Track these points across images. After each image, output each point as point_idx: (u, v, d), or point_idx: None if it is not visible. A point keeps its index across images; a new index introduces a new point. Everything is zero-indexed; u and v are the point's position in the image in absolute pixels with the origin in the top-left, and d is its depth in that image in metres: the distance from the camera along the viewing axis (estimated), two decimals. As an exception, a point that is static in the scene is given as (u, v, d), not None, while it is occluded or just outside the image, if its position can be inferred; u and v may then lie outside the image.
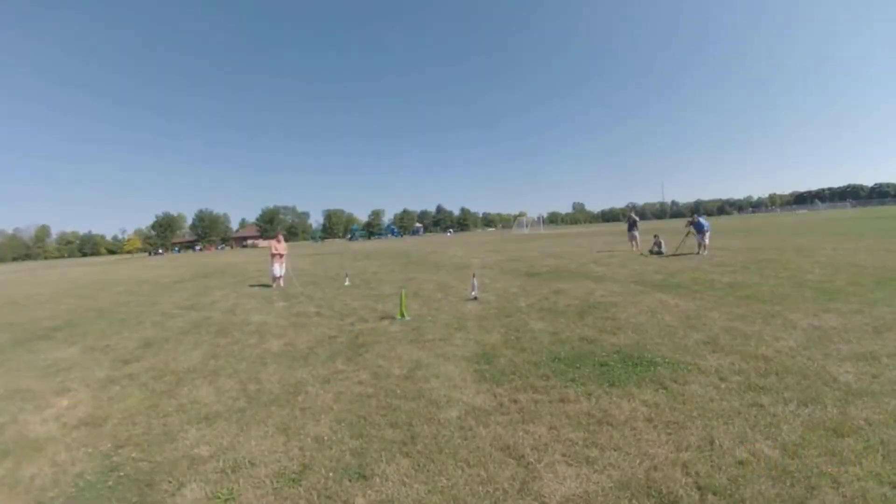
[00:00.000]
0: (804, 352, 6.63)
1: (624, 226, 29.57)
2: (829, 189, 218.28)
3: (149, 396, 6.87)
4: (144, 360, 8.94)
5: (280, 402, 6.15)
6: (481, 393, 5.90)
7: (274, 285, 18.72)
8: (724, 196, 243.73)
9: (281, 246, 19.16)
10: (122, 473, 4.64)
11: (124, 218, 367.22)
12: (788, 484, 3.62)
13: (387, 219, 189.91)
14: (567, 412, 5.15)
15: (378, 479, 4.14)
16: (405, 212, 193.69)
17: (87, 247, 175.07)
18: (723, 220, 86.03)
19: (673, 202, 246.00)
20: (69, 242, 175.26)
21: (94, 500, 4.22)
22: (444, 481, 4.03)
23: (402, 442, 4.79)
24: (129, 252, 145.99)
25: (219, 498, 4.07)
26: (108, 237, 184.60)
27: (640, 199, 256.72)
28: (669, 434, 4.54)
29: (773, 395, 5.21)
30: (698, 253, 20.45)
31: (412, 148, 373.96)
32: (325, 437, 5.02)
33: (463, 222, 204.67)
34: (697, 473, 3.84)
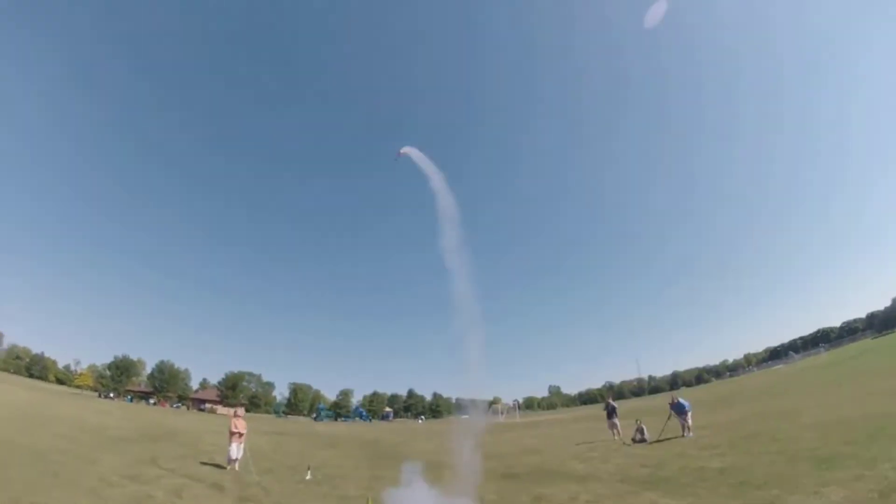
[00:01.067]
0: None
1: (602, 410, 28.68)
2: (801, 338, 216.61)
3: None
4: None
5: None
6: None
7: (228, 468, 16.85)
8: (701, 364, 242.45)
9: (241, 424, 17.60)
10: None
11: (80, 349, 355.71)
12: None
13: (356, 400, 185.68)
14: None
15: None
16: (375, 394, 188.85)
17: (35, 368, 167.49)
18: (702, 390, 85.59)
19: (650, 377, 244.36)
20: (18, 357, 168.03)
21: None
22: None
23: None
24: (78, 387, 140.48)
25: None
26: (61, 364, 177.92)
27: (617, 377, 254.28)
28: None
29: None
30: (683, 436, 19.78)
31: (384, 329, 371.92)
32: None
33: (435, 408, 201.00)
34: None
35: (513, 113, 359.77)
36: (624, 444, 21.72)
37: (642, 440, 21.14)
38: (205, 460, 18.88)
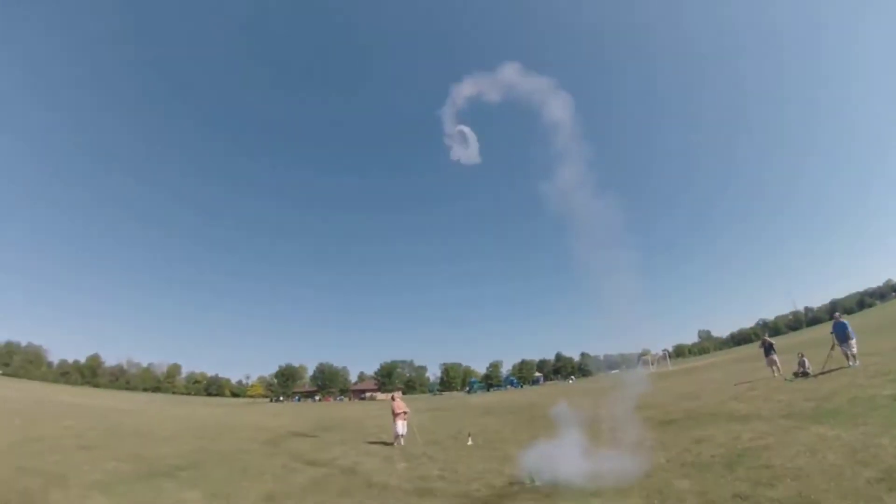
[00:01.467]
0: None
1: (758, 349, 27.26)
2: None
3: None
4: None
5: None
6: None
7: (395, 444, 18.36)
8: (861, 287, 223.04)
9: (400, 404, 19.02)
10: None
11: (249, 365, 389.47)
12: None
13: (505, 370, 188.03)
14: None
15: None
16: (523, 362, 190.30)
17: (212, 387, 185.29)
18: (865, 315, 79.04)
19: (806, 309, 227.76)
20: (196, 381, 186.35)
21: None
22: None
23: None
24: (251, 397, 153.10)
25: None
26: (234, 381, 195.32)
27: (770, 313, 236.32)
28: None
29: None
30: (849, 365, 18.52)
31: (529, 297, 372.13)
32: None
33: (584, 368, 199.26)
34: None
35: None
36: (785, 380, 20.68)
37: (804, 374, 20.01)
38: (372, 440, 20.60)
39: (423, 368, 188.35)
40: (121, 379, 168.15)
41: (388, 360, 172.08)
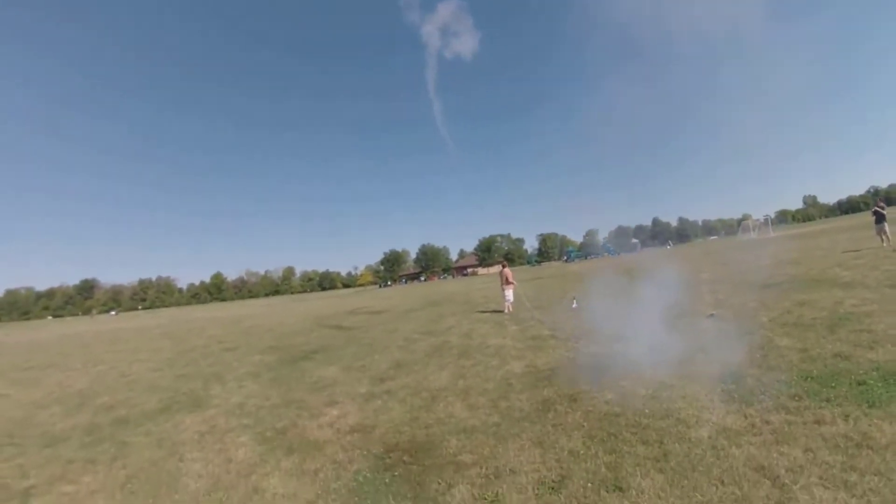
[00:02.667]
0: None
1: (868, 217, 25.91)
2: None
3: (409, 410, 7.76)
4: (398, 379, 10.04)
5: (531, 419, 6.66)
6: (731, 413, 5.86)
7: (505, 310, 19.35)
8: None
9: (509, 274, 20.03)
10: (396, 473, 5.46)
11: (355, 255, 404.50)
12: None
13: (602, 237, 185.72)
14: (823, 434, 4.98)
15: (634, 492, 4.42)
16: (619, 228, 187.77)
17: (325, 282, 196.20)
18: None
19: None
20: (310, 279, 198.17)
21: (373, 493, 5.03)
22: (699, 497, 4.21)
23: (654, 458, 5.00)
24: (361, 285, 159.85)
25: (485, 499, 4.65)
26: (343, 273, 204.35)
27: (884, 181, 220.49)
28: (937, 460, 4.20)
29: None
30: None
31: (623, 161, 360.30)
32: (580, 451, 5.40)
33: (682, 233, 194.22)
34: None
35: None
36: (894, 250, 20.04)
37: None
38: (481, 310, 21.96)
39: (520, 241, 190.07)
40: (243, 289, 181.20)
41: (486, 236, 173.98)
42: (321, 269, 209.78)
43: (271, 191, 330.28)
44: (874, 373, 6.50)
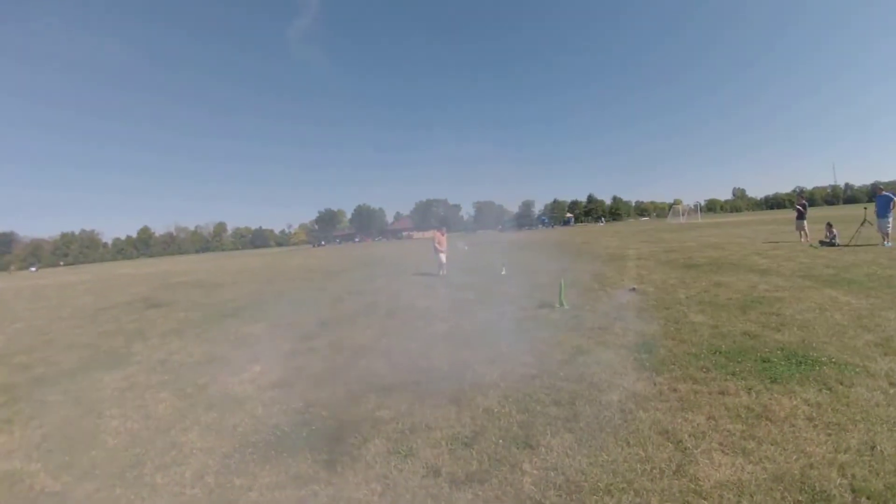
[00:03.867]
0: None
1: (791, 213, 27.38)
2: None
3: (331, 367, 7.80)
4: (323, 337, 10.02)
5: (450, 378, 6.77)
6: (641, 380, 6.13)
7: (440, 273, 19.64)
8: None
9: (443, 240, 20.14)
10: (313, 427, 5.45)
11: (290, 214, 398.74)
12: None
13: (537, 209, 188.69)
14: (726, 404, 5.25)
15: (543, 450, 4.56)
16: (555, 202, 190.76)
17: (258, 240, 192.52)
18: None
19: (847, 185, 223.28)
20: (242, 236, 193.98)
21: (290, 447, 5.01)
22: (605, 456, 4.36)
23: (565, 419, 5.18)
24: (294, 244, 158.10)
25: (399, 453, 4.69)
26: (277, 231, 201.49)
27: (809, 183, 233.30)
28: (829, 435, 4.50)
29: (951, 404, 4.95)
30: (883, 245, 18.52)
31: (563, 137, 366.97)
32: (495, 410, 5.53)
33: (615, 212, 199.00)
34: (854, 476, 3.83)
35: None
36: (811, 245, 21.07)
37: (831, 243, 20.23)
38: (413, 272, 22.29)
39: (457, 207, 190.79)
40: (172, 245, 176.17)
41: (423, 200, 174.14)
42: (254, 226, 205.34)
43: (201, 143, 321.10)
44: (779, 352, 6.87)
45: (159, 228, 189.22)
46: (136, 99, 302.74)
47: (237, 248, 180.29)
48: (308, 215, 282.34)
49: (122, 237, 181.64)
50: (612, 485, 3.91)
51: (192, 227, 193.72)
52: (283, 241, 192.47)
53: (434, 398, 6.00)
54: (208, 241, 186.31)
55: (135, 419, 6.08)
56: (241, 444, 5.10)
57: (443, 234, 20.57)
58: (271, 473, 4.46)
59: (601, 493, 3.80)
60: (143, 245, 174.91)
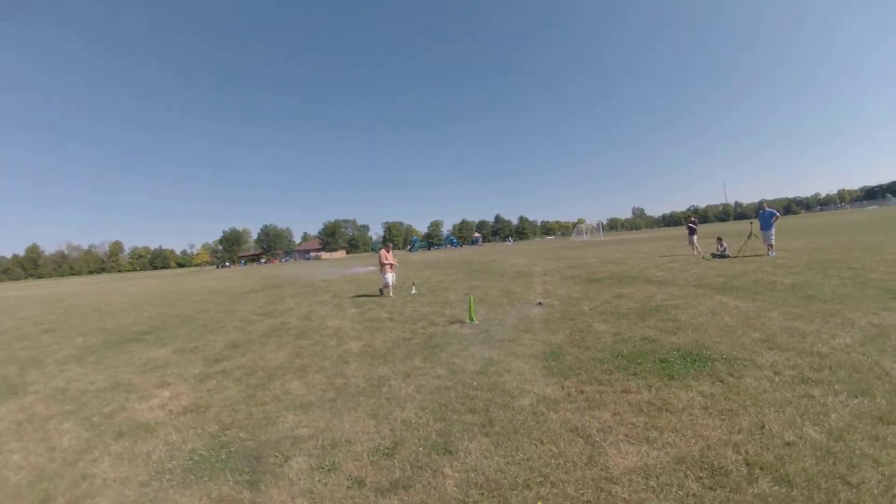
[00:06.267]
0: (860, 348, 6.81)
1: (685, 231, 29.29)
2: None
3: (245, 389, 7.65)
4: (234, 359, 9.78)
5: (367, 394, 6.84)
6: (550, 385, 6.46)
7: (384, 292, 18.97)
8: (791, 195, 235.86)
9: (390, 256, 19.25)
10: (232, 449, 5.36)
11: (192, 233, 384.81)
12: (831, 462, 3.99)
13: (445, 230, 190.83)
14: (629, 401, 5.64)
15: (462, 454, 4.74)
16: (464, 222, 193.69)
17: (157, 260, 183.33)
18: (790, 220, 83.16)
19: (736, 203, 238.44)
20: (141, 256, 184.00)
21: (209, 470, 4.91)
22: (521, 455, 4.60)
23: (481, 424, 5.39)
24: (197, 265, 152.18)
25: (322, 468, 4.72)
26: (178, 251, 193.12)
27: (702, 202, 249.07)
28: (723, 420, 4.97)
29: (825, 388, 5.50)
30: (768, 255, 20.16)
31: (470, 159, 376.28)
32: (412, 421, 5.67)
33: (522, 231, 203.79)
34: (747, 452, 4.27)
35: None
36: (704, 258, 22.54)
37: (722, 255, 21.80)
38: (322, 293, 22.01)
39: (365, 227, 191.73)
40: (63, 265, 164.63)
41: (332, 220, 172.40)
42: (153, 246, 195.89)
43: (96, 158, 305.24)
44: (675, 353, 7.44)
45: (49, 247, 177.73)
46: (18, 99, 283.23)
47: (135, 269, 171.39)
48: (212, 235, 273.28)
49: (8, 256, 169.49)
50: (529, 479, 4.14)
51: (85, 246, 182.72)
52: (184, 261, 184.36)
53: (352, 413, 6.05)
54: (103, 262, 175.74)
55: (38, 452, 5.74)
56: (158, 472, 4.94)
57: (388, 251, 19.61)
58: (192, 499, 4.37)
59: (520, 488, 4.02)
60: (31, 265, 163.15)
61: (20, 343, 13.88)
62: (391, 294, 18.63)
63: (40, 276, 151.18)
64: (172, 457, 5.29)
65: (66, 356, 11.43)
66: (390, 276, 18.77)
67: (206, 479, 4.73)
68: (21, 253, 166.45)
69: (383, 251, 19.36)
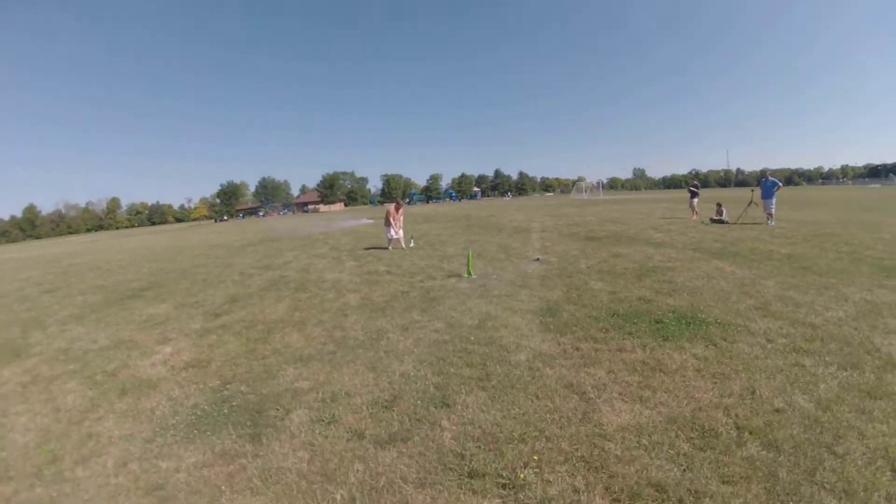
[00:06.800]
0: (852, 322, 6.88)
1: (686, 193, 29.06)
2: None
3: (245, 343, 7.74)
4: (234, 314, 9.86)
5: (365, 346, 6.97)
6: (546, 341, 6.58)
7: (390, 247, 18.41)
8: (794, 166, 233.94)
9: (399, 216, 18.52)
10: (234, 404, 5.45)
11: (189, 188, 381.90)
12: (818, 431, 4.08)
13: (445, 183, 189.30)
14: (624, 360, 5.75)
15: (459, 407, 4.86)
16: (463, 176, 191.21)
17: (155, 216, 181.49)
18: (791, 191, 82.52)
19: (738, 170, 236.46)
20: (138, 213, 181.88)
21: (212, 425, 5.00)
22: (517, 410, 4.72)
23: (478, 378, 5.51)
24: (195, 220, 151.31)
25: (322, 421, 4.82)
26: (175, 206, 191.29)
27: (704, 166, 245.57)
28: (715, 383, 5.08)
29: (816, 358, 5.60)
30: (767, 223, 20.03)
31: (471, 113, 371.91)
32: (411, 374, 5.79)
33: (521, 187, 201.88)
34: (737, 416, 4.38)
35: None
36: (702, 222, 22.52)
37: (720, 221, 21.78)
38: (320, 246, 21.94)
39: (364, 180, 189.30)
40: (61, 224, 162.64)
41: (330, 172, 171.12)
42: (150, 202, 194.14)
43: (90, 111, 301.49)
44: (670, 314, 7.55)
45: (46, 206, 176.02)
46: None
47: (133, 226, 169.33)
48: (209, 189, 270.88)
49: (5, 218, 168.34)
50: (525, 434, 4.25)
51: (82, 204, 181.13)
52: (182, 216, 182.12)
53: (351, 366, 6.17)
54: (101, 219, 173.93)
55: (44, 413, 5.79)
56: (162, 428, 5.01)
57: (398, 210, 18.69)
58: (196, 453, 4.45)
59: (516, 442, 4.13)
60: (28, 225, 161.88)
61: (21, 305, 13.78)
62: (403, 246, 18.31)
63: (38, 237, 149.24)
64: (175, 412, 5.37)
65: (67, 316, 11.40)
66: (393, 231, 18.29)
67: (209, 433, 4.82)
68: (18, 214, 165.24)
69: (392, 208, 18.65)
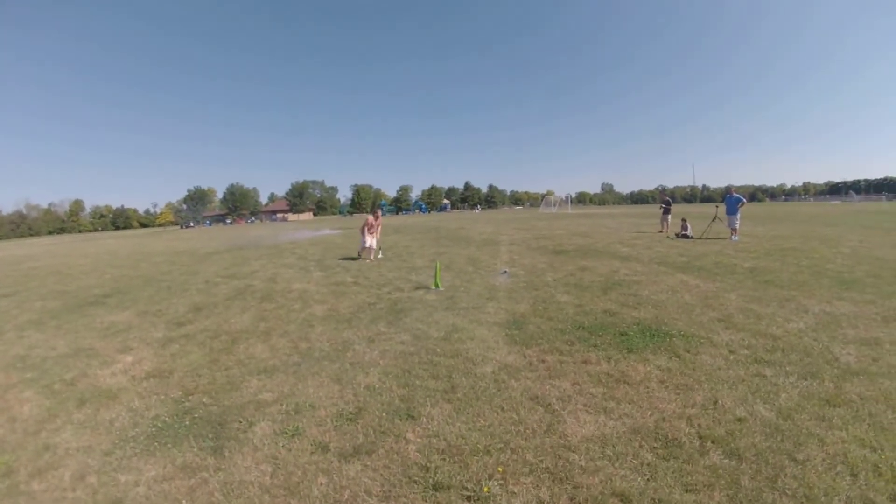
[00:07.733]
0: (812, 333, 7.07)
1: (653, 208, 29.41)
2: (865, 181, 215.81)
3: (208, 353, 7.60)
4: (197, 323, 9.70)
5: (331, 358, 6.91)
6: (512, 353, 6.63)
7: (362, 255, 18.45)
8: (757, 182, 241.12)
9: (377, 225, 18.57)
10: (196, 416, 5.34)
11: (155, 192, 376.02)
12: (779, 439, 4.18)
13: (414, 195, 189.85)
14: (589, 371, 5.81)
15: (425, 419, 4.84)
16: (433, 188, 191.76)
17: (119, 220, 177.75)
18: (754, 207, 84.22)
19: (704, 186, 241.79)
20: (102, 216, 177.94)
21: (173, 437, 4.89)
22: (482, 422, 4.72)
23: (443, 391, 5.50)
24: (160, 225, 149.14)
25: (286, 433, 4.76)
26: (141, 211, 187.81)
27: (670, 182, 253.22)
28: (678, 394, 5.16)
29: (776, 369, 5.74)
30: (731, 238, 20.42)
31: (441, 126, 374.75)
32: (376, 386, 5.75)
33: (490, 200, 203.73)
34: (700, 425, 4.45)
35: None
36: (668, 237, 22.87)
37: (685, 236, 22.17)
38: (287, 256, 21.77)
39: (334, 189, 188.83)
40: (22, 226, 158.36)
41: (299, 181, 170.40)
42: (115, 205, 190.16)
43: (56, 113, 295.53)
44: (635, 326, 7.66)
45: (7, 206, 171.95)
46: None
47: (96, 230, 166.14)
48: (175, 194, 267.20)
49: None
50: (490, 445, 4.26)
51: (44, 205, 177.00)
52: (147, 221, 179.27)
53: (316, 378, 6.11)
54: (63, 222, 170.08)
55: None
56: (121, 440, 4.88)
57: (377, 219, 18.84)
58: (157, 466, 4.35)
59: (481, 454, 4.13)
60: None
61: (-24, 310, 13.42)
62: (372, 258, 18.16)
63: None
64: (136, 424, 5.23)
65: (25, 321, 11.04)
66: (369, 239, 18.17)
67: (169, 445, 4.71)
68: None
69: (371, 217, 18.67)
